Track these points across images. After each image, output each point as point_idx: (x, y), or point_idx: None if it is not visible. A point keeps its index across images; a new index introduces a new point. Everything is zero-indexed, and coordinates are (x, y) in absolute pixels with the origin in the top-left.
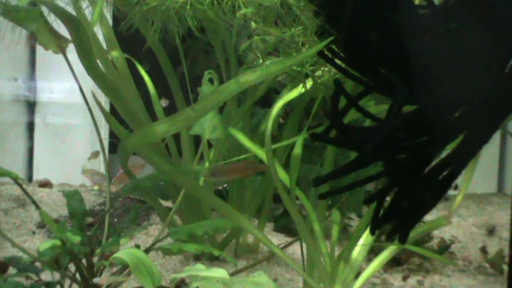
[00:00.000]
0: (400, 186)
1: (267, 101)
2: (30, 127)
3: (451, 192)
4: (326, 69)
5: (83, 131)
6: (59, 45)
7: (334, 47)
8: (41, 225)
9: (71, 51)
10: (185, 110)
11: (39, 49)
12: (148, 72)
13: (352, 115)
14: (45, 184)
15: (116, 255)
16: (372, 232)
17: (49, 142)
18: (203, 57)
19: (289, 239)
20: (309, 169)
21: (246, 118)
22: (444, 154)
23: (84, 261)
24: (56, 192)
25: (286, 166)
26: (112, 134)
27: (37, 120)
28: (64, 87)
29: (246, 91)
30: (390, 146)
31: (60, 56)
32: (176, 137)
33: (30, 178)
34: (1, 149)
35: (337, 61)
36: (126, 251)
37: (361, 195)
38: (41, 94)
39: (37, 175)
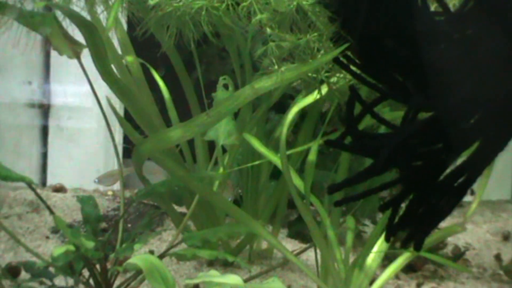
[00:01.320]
0: (415, 193)
1: (281, 107)
2: (44, 131)
3: (465, 198)
4: (341, 75)
5: (97, 135)
6: (74, 50)
7: (349, 53)
8: (55, 230)
9: (86, 55)
10: (200, 115)
11: (54, 53)
12: (162, 77)
13: (367, 122)
14: (59, 189)
15: (130, 260)
16: (387, 239)
17: (63, 147)
18: (218, 63)
19: (303, 245)
20: (323, 175)
21: (261, 123)
22: (459, 161)
23: (98, 266)
24: (70, 197)
25: (300, 172)
26: (126, 139)
27: (51, 124)
28: (79, 91)
29: (260, 97)
30: (405, 152)
31: (74, 61)
32: (191, 142)
33: (44, 183)
34: (15, 153)
35: (352, 67)
36: (140, 256)
37: (376, 202)
38: (56, 98)
39: (51, 180)
